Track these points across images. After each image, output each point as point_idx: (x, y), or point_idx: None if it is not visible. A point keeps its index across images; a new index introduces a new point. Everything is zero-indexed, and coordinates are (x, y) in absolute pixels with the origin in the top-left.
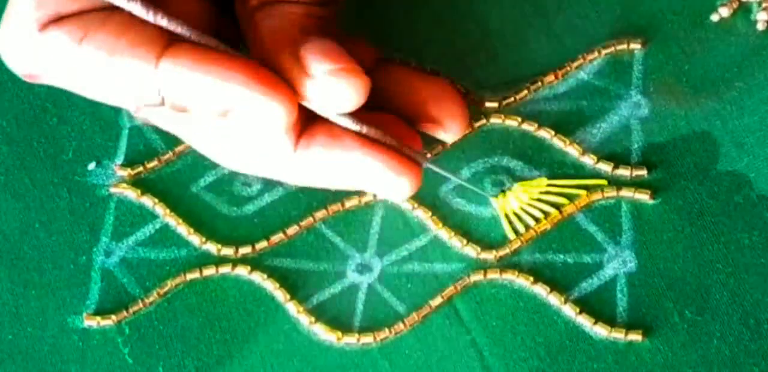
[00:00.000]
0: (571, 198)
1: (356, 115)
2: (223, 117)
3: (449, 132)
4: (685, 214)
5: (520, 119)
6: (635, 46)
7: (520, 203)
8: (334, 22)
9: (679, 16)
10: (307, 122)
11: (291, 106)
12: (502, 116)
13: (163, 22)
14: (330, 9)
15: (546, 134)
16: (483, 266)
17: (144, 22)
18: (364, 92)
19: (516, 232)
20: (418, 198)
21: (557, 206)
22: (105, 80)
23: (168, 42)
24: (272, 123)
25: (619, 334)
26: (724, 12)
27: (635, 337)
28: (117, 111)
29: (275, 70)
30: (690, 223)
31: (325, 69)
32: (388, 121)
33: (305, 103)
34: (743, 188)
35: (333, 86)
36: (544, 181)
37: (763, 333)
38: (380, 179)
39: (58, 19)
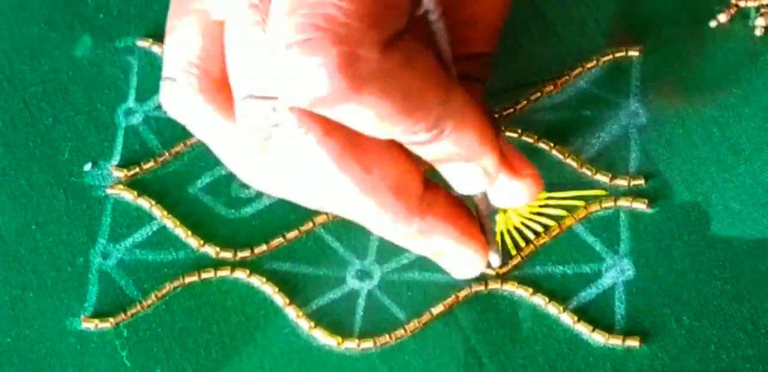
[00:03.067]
0: (569, 210)
1: None
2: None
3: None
4: (682, 222)
5: (519, 131)
6: (633, 53)
7: (521, 218)
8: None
9: (677, 22)
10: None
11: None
12: (503, 127)
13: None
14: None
15: (545, 146)
16: (484, 278)
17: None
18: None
19: (517, 247)
20: None
21: (556, 219)
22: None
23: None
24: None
25: (617, 341)
26: (723, 18)
27: (633, 343)
28: (112, 111)
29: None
30: (687, 230)
31: (529, 173)
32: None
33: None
34: (741, 195)
35: (514, 188)
36: (543, 194)
37: (761, 339)
38: (464, 263)
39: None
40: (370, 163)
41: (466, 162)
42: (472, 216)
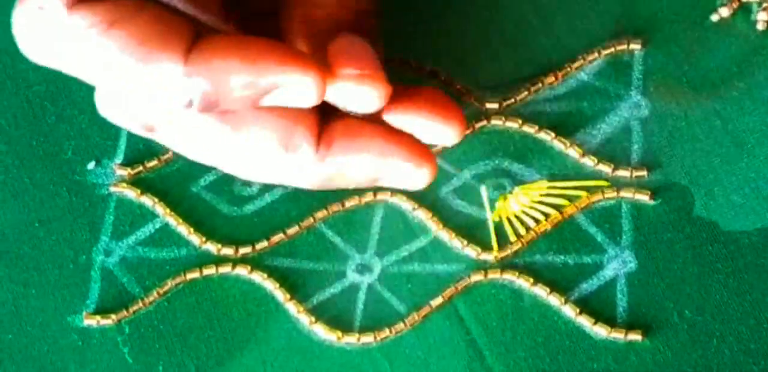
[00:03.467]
0: (571, 199)
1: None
2: (255, 104)
3: (446, 137)
4: (684, 215)
5: (520, 121)
6: (635, 46)
7: (521, 206)
8: (371, 17)
9: (679, 16)
10: (323, 124)
11: (323, 80)
12: (503, 118)
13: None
14: (367, 2)
15: (546, 136)
16: (483, 267)
17: (174, 17)
18: (384, 100)
19: (517, 234)
20: (419, 199)
21: (558, 208)
22: (127, 74)
23: (196, 38)
24: (305, 97)
25: (619, 334)
26: (724, 12)
27: (635, 336)
28: None
29: None
30: (690, 223)
31: (349, 72)
32: (426, 94)
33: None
34: (743, 188)
35: (353, 90)
36: (545, 183)
37: (763, 332)
38: (401, 170)
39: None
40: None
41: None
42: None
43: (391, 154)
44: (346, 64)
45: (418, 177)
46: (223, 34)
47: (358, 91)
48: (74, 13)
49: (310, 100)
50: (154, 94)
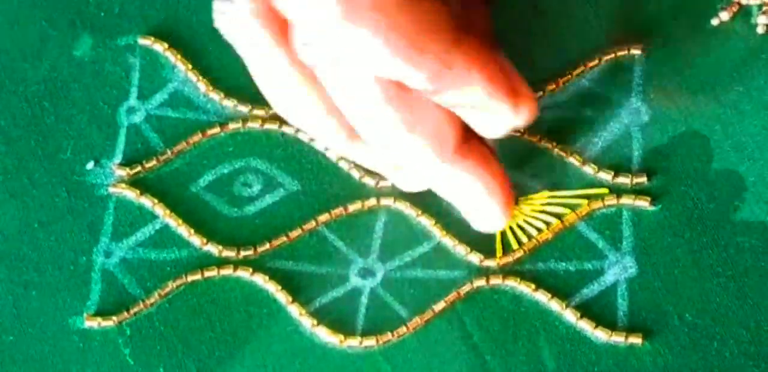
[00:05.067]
0: (572, 208)
1: None
2: (454, 109)
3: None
4: (685, 220)
5: (521, 130)
6: (635, 51)
7: (523, 216)
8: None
9: (679, 20)
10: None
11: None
12: None
13: None
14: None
15: (547, 145)
16: (486, 273)
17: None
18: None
19: (519, 242)
20: (423, 205)
21: (559, 217)
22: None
23: (457, 35)
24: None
25: (619, 338)
26: (724, 16)
27: (635, 340)
28: (114, 110)
29: None
30: (690, 227)
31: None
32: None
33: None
34: (743, 193)
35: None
36: (546, 193)
37: (764, 336)
38: (486, 215)
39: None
40: (413, 102)
41: (480, 111)
42: (505, 173)
43: (497, 193)
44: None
45: (494, 222)
46: (478, 40)
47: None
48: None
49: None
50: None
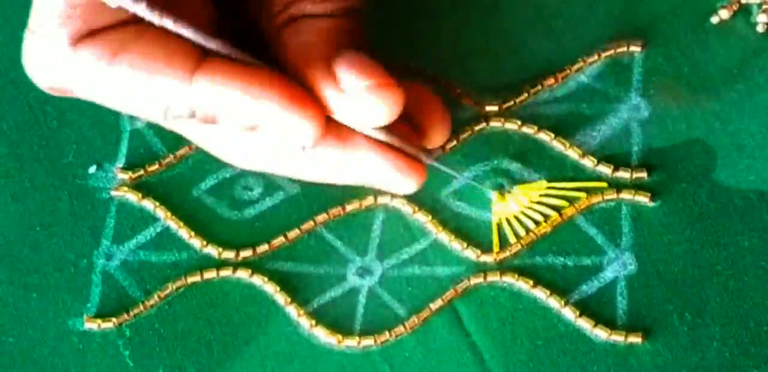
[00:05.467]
0: (571, 201)
1: None
2: (252, 130)
3: (432, 139)
4: (684, 217)
5: (519, 122)
6: (635, 48)
7: (520, 206)
8: (362, 33)
9: (678, 18)
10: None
11: (320, 123)
12: (502, 119)
13: (169, 24)
14: (357, 20)
15: (546, 137)
16: (483, 269)
17: (176, 38)
18: (399, 107)
19: (516, 235)
20: (419, 202)
21: (557, 209)
22: (137, 95)
23: (200, 57)
24: (300, 139)
25: (619, 337)
26: (724, 14)
27: (635, 339)
28: (117, 114)
29: (305, 86)
30: (690, 225)
31: (360, 85)
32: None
33: (335, 117)
34: (743, 190)
35: (369, 103)
36: (544, 183)
37: (763, 335)
38: (387, 178)
39: (90, 34)
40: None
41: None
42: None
43: (377, 161)
44: (354, 78)
45: (404, 185)
46: (227, 58)
47: (372, 103)
48: (80, 49)
49: (307, 141)
50: (160, 108)
